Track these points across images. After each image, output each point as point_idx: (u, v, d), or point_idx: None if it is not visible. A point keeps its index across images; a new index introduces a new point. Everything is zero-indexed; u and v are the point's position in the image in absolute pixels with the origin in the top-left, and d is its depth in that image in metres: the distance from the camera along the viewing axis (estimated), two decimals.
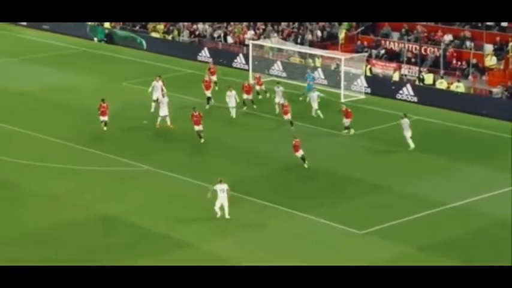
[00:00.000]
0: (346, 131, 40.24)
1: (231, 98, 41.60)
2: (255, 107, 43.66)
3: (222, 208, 30.76)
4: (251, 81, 46.26)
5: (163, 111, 40.26)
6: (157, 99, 42.13)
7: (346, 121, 40.36)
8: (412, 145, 38.49)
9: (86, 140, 39.22)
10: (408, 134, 38.62)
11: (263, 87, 45.95)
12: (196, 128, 38.46)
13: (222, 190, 30.71)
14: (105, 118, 39.76)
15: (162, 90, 42.50)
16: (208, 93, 43.89)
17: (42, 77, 50.48)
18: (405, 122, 38.90)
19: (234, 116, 41.66)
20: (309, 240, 29.61)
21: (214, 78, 46.22)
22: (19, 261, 27.40)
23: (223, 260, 27.83)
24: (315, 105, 42.50)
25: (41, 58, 55.19)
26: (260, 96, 45.27)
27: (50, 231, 30.04)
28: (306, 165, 35.65)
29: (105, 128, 39.73)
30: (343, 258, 28.22)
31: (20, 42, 59.94)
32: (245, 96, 43.67)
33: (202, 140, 38.04)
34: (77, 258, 27.97)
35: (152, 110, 42.46)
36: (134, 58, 55.46)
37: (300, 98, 45.46)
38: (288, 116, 40.75)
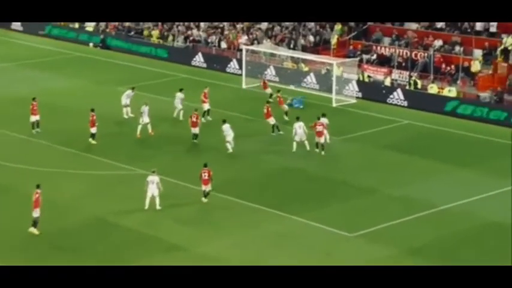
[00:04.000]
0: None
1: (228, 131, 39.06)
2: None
3: (153, 199, 31.54)
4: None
5: (145, 119, 40.40)
6: (127, 105, 42.95)
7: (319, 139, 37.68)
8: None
9: (79, 144, 39.19)
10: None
11: (269, 90, 46.41)
12: (193, 130, 39.23)
13: (152, 181, 31.43)
14: (94, 130, 39.24)
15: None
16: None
17: (37, 82, 50.42)
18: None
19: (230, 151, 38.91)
20: (299, 242, 29.60)
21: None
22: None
23: (214, 261, 27.87)
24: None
25: (37, 63, 55.17)
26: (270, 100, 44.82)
27: (46, 235, 29.94)
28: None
29: (93, 142, 39.26)
30: (332, 260, 28.20)
31: (16, 47, 60.08)
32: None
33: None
34: (69, 262, 28.10)
35: (125, 116, 42.96)
36: (129, 63, 55.61)
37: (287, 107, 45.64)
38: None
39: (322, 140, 37.80)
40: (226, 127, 38.20)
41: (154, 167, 33.20)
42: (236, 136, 39.62)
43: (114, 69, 54.34)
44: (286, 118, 42.24)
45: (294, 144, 37.92)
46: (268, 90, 47.05)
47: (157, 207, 31.84)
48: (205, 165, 32.66)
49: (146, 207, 31.77)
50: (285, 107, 43.21)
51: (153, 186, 31.67)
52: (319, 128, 37.81)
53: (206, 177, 32.30)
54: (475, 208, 32.36)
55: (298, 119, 38.41)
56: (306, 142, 37.93)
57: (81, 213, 31.95)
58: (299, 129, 37.73)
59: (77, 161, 37.56)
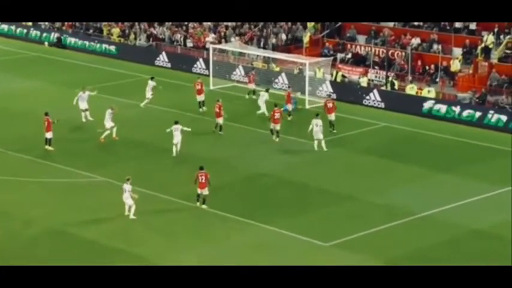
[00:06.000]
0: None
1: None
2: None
3: (129, 207, 31.86)
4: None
5: (109, 123, 40.22)
6: (86, 109, 42.83)
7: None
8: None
9: (35, 150, 38.88)
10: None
11: (253, 85, 47.50)
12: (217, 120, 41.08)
13: (125, 190, 31.73)
14: (50, 135, 38.92)
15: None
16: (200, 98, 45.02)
17: None
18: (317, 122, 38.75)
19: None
20: (272, 253, 29.57)
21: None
22: None
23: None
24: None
25: None
26: (247, 96, 47.23)
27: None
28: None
29: (50, 148, 38.95)
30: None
31: None
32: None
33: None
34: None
35: (83, 119, 42.73)
36: (87, 63, 55.36)
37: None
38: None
39: (278, 127, 39.91)
40: (176, 128, 38.11)
41: (117, 173, 33.02)
42: (204, 140, 39.52)
43: (71, 69, 54.05)
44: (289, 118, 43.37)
45: (315, 143, 38.97)
46: (251, 86, 47.39)
47: (131, 216, 31.90)
48: (201, 168, 32.73)
49: (126, 213, 32.03)
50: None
51: (126, 195, 31.85)
52: (277, 115, 40.10)
53: (203, 181, 32.43)
54: (455, 215, 32.57)
55: (317, 115, 39.51)
56: (323, 142, 38.81)
57: (37, 225, 31.60)
58: (316, 127, 38.75)
59: (32, 168, 37.22)
